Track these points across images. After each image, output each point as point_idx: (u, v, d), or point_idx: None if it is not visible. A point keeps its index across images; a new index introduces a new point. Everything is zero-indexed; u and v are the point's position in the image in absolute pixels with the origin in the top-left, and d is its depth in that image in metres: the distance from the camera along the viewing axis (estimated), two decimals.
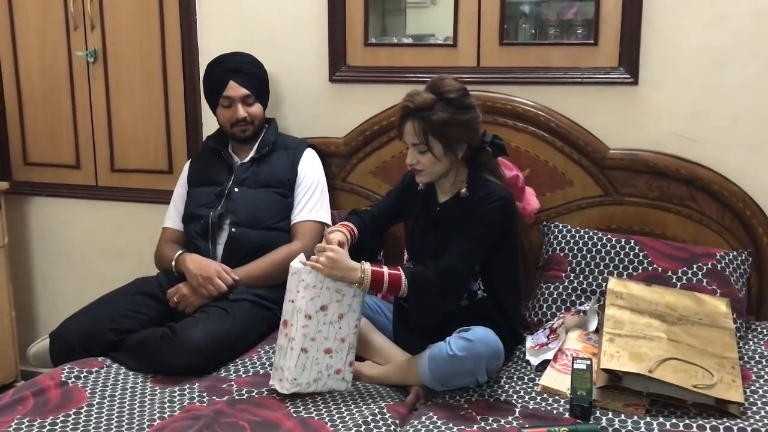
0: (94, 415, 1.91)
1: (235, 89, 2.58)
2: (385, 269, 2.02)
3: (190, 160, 2.78)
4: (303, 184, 2.61)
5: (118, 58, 3.02)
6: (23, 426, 1.84)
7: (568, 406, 1.90)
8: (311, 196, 2.60)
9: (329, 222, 2.61)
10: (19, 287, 3.31)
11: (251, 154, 2.64)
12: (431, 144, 2.04)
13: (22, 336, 3.23)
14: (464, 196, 2.12)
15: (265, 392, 2.03)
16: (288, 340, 2.01)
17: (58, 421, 1.88)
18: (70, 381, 2.07)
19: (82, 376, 2.10)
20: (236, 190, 2.56)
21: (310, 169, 2.65)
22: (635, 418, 1.83)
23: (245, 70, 2.62)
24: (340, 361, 2.05)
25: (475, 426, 1.84)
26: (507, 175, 2.46)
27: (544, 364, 2.12)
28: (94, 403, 1.97)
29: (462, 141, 2.07)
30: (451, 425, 1.84)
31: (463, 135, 2.06)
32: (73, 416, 1.90)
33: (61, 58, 3.09)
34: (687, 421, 1.80)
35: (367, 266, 2.01)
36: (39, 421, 1.87)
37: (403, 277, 2.01)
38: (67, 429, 1.85)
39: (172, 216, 2.71)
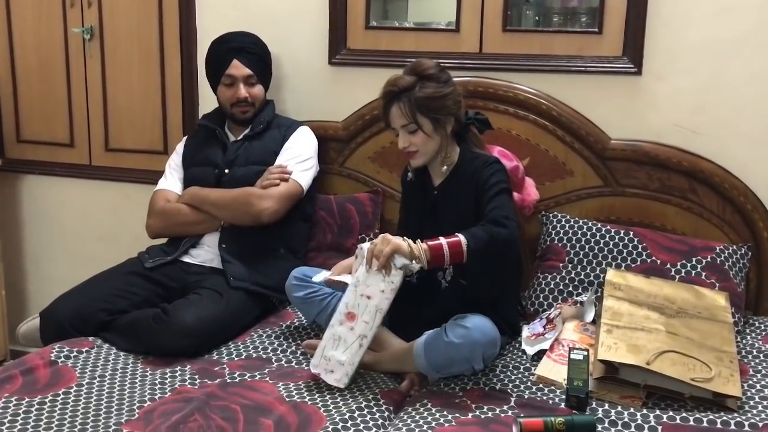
0: (83, 396, 1.89)
1: (238, 68, 2.55)
2: (442, 239, 1.93)
3: (185, 137, 2.75)
4: (288, 152, 2.56)
5: (115, 35, 2.98)
6: (11, 404, 1.81)
7: (564, 397, 1.88)
8: (295, 164, 2.53)
9: (305, 188, 2.54)
10: (9, 266, 3.27)
11: (245, 132, 2.61)
12: (420, 121, 2.05)
13: (11, 315, 3.19)
14: (446, 173, 2.14)
15: (258, 376, 2.00)
16: (358, 337, 1.94)
17: (46, 400, 1.85)
18: (59, 360, 2.04)
19: (72, 355, 2.07)
20: (227, 171, 2.54)
21: (300, 141, 2.60)
22: (632, 410, 1.81)
23: (250, 50, 2.59)
24: None
25: (470, 414, 1.82)
26: (507, 166, 2.43)
27: (540, 354, 2.10)
28: (84, 383, 1.95)
29: (448, 114, 2.09)
30: (445, 413, 1.82)
31: (448, 108, 2.08)
32: (62, 396, 1.88)
33: (56, 34, 3.04)
34: (684, 414, 1.79)
35: (419, 243, 1.94)
36: (27, 400, 1.84)
37: (462, 237, 1.92)
38: (56, 408, 1.82)
39: (170, 180, 2.65)
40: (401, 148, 2.12)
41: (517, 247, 1.98)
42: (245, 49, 2.58)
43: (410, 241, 1.93)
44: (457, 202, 2.10)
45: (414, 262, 1.92)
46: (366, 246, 1.99)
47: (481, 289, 2.04)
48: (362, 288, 1.96)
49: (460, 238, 1.91)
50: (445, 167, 2.14)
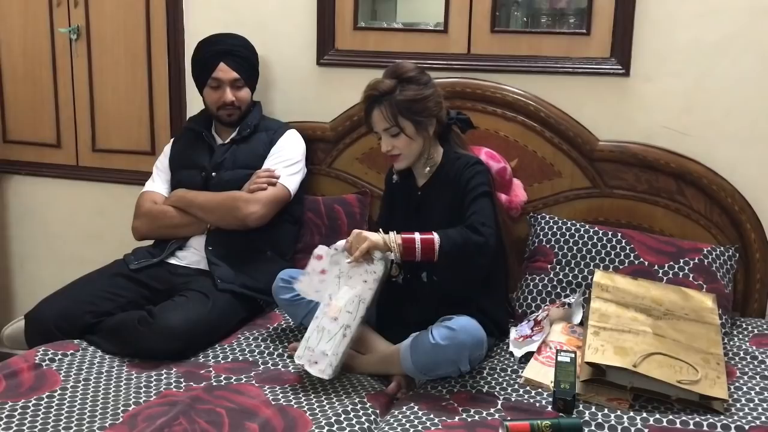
0: (68, 399, 1.87)
1: (224, 72, 2.53)
2: (416, 234, 1.98)
3: (172, 139, 2.74)
4: (276, 156, 2.55)
5: (102, 35, 2.96)
6: None
7: (551, 399, 1.87)
8: (283, 168, 2.52)
9: (293, 193, 2.54)
10: None
11: (232, 135, 2.59)
12: (402, 124, 2.06)
13: None
14: (429, 174, 2.15)
15: (244, 379, 1.99)
16: (341, 327, 1.96)
17: (30, 404, 1.83)
18: (44, 363, 2.02)
19: (56, 358, 2.05)
20: (214, 174, 2.53)
21: (288, 145, 2.59)
22: (618, 412, 1.81)
23: (237, 53, 2.56)
24: None
25: (457, 417, 1.81)
26: (494, 168, 2.44)
27: (527, 356, 2.10)
28: (68, 386, 1.93)
29: (430, 116, 2.10)
30: (432, 416, 1.81)
31: (429, 109, 2.09)
32: (45, 399, 1.86)
33: (43, 34, 3.02)
34: (670, 417, 1.79)
35: (393, 234, 1.99)
36: (11, 403, 1.82)
37: (436, 236, 1.96)
38: (40, 412, 1.80)
39: (157, 182, 2.64)
40: (384, 152, 2.12)
41: (491, 253, 1.99)
42: (232, 52, 2.56)
43: (383, 234, 1.98)
44: (441, 202, 2.11)
45: (389, 253, 1.98)
46: (341, 244, 2.04)
47: (448, 287, 2.09)
48: (345, 279, 1.99)
49: (435, 237, 1.96)
50: (428, 168, 2.15)
